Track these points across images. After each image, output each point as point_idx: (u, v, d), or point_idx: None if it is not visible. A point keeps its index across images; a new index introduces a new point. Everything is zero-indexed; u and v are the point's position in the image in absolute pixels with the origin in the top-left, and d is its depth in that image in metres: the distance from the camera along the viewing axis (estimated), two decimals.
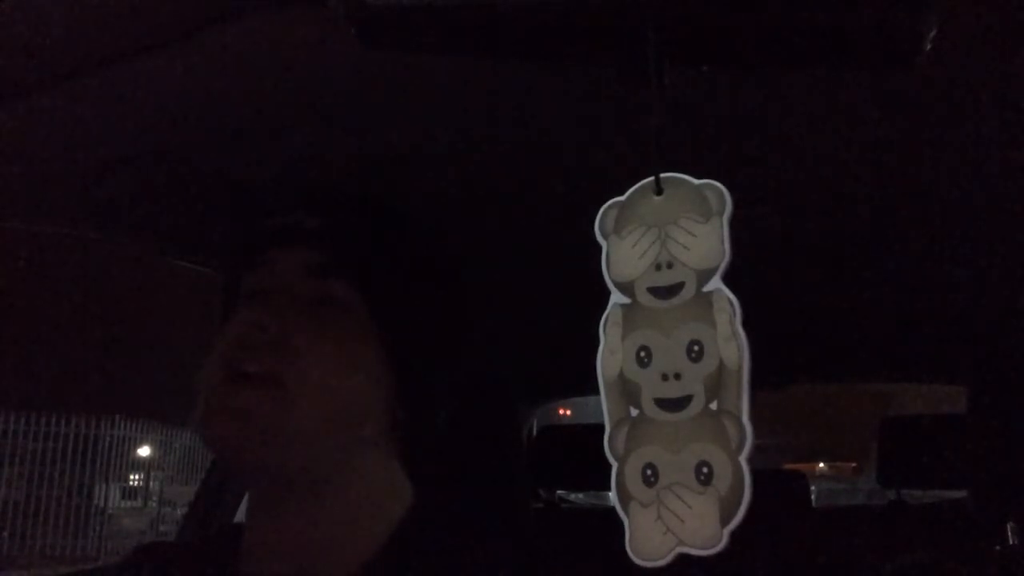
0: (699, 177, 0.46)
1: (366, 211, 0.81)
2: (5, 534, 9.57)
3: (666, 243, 0.45)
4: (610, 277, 0.47)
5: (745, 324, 0.43)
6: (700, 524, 0.42)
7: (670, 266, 0.45)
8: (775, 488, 1.84)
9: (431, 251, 0.84)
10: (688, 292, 0.45)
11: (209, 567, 0.80)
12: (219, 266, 0.83)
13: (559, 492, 2.16)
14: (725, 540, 0.42)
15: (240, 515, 1.47)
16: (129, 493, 11.93)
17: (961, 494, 1.92)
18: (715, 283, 0.44)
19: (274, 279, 0.76)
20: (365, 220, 0.80)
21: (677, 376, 0.44)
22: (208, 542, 0.97)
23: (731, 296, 0.44)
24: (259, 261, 0.78)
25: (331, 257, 0.76)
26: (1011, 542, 1.41)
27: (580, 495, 2.44)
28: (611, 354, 0.46)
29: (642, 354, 0.45)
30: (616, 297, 0.46)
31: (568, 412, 5.24)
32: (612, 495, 0.45)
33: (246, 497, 0.82)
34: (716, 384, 0.43)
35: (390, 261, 0.78)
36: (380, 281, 0.77)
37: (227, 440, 0.72)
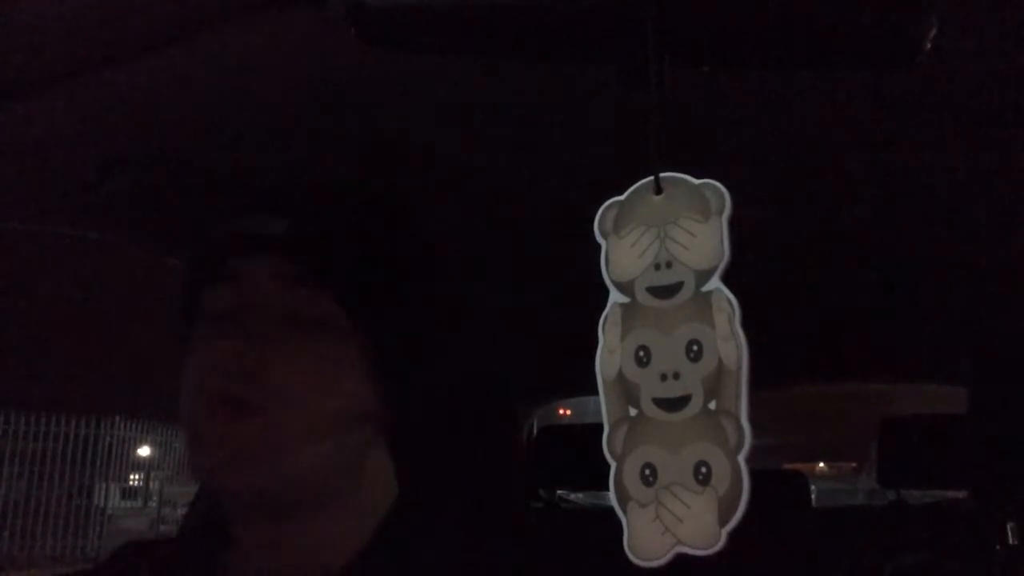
0: (699, 177, 0.46)
1: (333, 209, 0.76)
2: (5, 534, 9.57)
3: (665, 243, 0.45)
4: (609, 276, 0.47)
5: (745, 324, 0.43)
6: (698, 524, 0.42)
7: (669, 266, 0.45)
8: (775, 488, 1.84)
9: (406, 247, 0.79)
10: (687, 292, 0.45)
11: (193, 565, 0.80)
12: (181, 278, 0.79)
13: (559, 492, 2.16)
14: (723, 540, 0.42)
15: None
16: (129, 493, 11.94)
17: (961, 494, 1.92)
18: (714, 283, 0.44)
19: (243, 295, 0.71)
20: (333, 220, 0.75)
21: (676, 376, 0.44)
22: (194, 539, 0.97)
23: (730, 296, 0.44)
24: (222, 274, 0.73)
25: (301, 266, 0.71)
26: (1011, 542, 1.41)
27: (580, 495, 2.44)
28: (610, 354, 0.46)
29: (641, 354, 0.45)
30: (615, 296, 0.46)
31: (568, 412, 5.24)
32: (611, 495, 0.45)
33: None
34: (715, 384, 0.43)
35: (363, 264, 0.74)
36: (356, 286, 0.73)
37: (213, 471, 0.70)
